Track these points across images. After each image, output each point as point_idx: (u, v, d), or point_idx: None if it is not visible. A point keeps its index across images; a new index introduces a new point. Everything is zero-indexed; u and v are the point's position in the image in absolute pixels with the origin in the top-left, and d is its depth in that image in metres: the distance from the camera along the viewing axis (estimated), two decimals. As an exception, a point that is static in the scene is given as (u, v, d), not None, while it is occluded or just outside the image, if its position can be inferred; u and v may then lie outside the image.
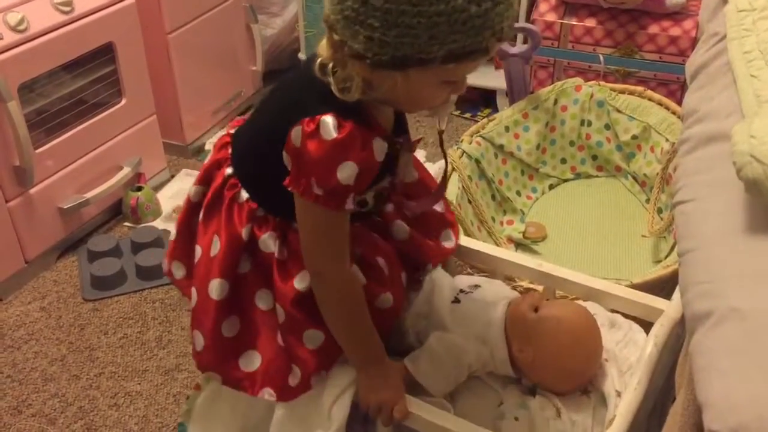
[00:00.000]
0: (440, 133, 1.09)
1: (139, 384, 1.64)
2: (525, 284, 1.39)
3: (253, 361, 1.04)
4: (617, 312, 1.23)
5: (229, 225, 1.03)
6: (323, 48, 0.92)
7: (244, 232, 1.02)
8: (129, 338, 1.76)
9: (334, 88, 0.90)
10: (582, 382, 1.12)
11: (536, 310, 1.12)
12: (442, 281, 1.19)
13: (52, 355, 1.72)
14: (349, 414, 1.05)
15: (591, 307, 1.21)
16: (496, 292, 1.20)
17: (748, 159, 0.68)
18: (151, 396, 1.61)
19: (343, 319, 1.02)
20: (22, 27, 1.73)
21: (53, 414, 1.57)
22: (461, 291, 1.18)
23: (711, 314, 0.66)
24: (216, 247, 1.04)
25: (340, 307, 1.01)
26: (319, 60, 0.92)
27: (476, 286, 1.20)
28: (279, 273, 1.03)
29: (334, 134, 0.90)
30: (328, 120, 0.90)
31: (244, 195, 1.04)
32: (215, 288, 1.04)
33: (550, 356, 1.09)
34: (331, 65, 0.90)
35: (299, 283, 1.01)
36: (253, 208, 1.03)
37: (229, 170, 1.06)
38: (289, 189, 0.95)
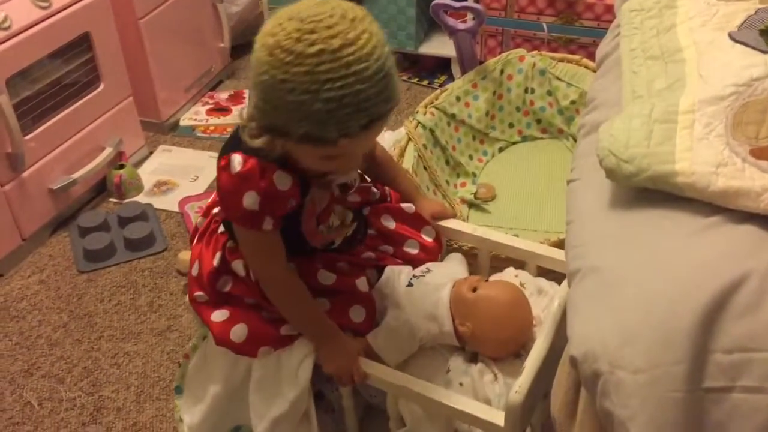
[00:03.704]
0: (341, 188, 1.26)
1: (136, 345, 1.84)
2: (462, 244, 1.57)
3: (242, 332, 1.24)
4: (543, 268, 1.40)
5: (206, 252, 1.28)
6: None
7: (215, 259, 1.25)
8: (123, 304, 1.96)
9: (245, 138, 1.08)
10: (514, 349, 1.29)
11: (474, 290, 1.29)
12: (399, 269, 1.37)
13: (54, 322, 1.91)
14: (319, 374, 1.25)
15: (522, 275, 1.39)
16: (443, 275, 1.36)
17: (607, 153, 0.89)
18: (148, 354, 1.81)
19: (288, 308, 1.23)
20: (5, 25, 1.87)
21: (61, 374, 1.77)
22: (414, 276, 1.36)
23: (579, 271, 0.88)
24: (195, 269, 1.29)
25: (284, 300, 1.23)
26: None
27: (428, 270, 1.37)
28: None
29: (237, 168, 1.10)
30: (236, 157, 1.10)
31: (221, 228, 1.28)
32: (198, 297, 1.29)
33: (486, 329, 1.26)
34: (249, 125, 1.09)
35: None
36: (223, 240, 1.27)
37: (215, 209, 1.30)
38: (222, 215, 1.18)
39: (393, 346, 1.27)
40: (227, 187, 1.13)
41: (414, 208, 1.43)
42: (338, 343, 1.23)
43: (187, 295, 1.33)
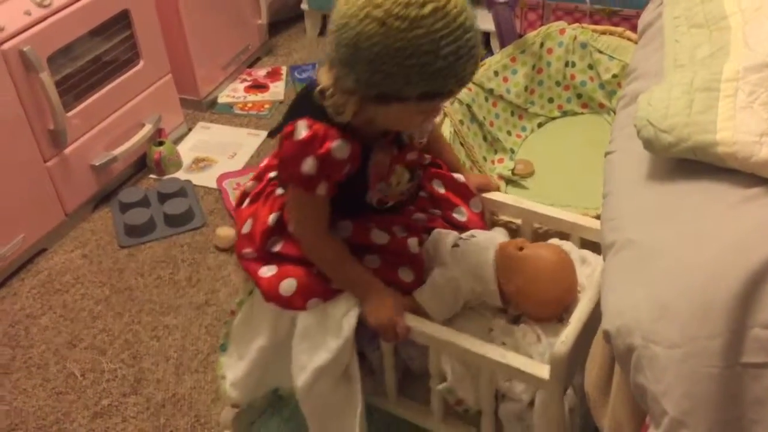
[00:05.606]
0: (420, 143, 1.32)
1: (175, 318, 1.87)
2: (506, 218, 1.58)
3: (291, 286, 1.26)
4: (587, 240, 1.41)
5: (262, 211, 1.30)
6: (323, 75, 1.13)
7: (270, 218, 1.28)
8: (162, 279, 1.99)
9: (330, 110, 1.12)
10: (558, 311, 1.28)
11: (521, 249, 1.30)
12: (447, 232, 1.37)
13: (96, 296, 1.95)
14: (361, 333, 1.25)
15: (565, 246, 1.37)
16: (488, 239, 1.37)
17: (645, 123, 0.86)
18: (186, 328, 1.84)
19: (327, 269, 1.25)
20: (46, 2, 1.89)
21: (103, 346, 1.81)
22: (460, 238, 1.36)
23: (614, 244, 0.85)
24: (247, 227, 1.31)
25: (321, 261, 1.25)
26: (319, 86, 1.13)
27: (472, 236, 1.37)
28: None
29: (301, 135, 1.14)
30: (301, 124, 1.14)
31: (279, 191, 1.30)
32: (246, 254, 1.31)
33: (531, 287, 1.26)
34: (329, 91, 1.11)
35: None
36: (281, 201, 1.29)
37: (272, 174, 1.32)
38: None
39: (438, 302, 1.27)
40: (288, 153, 1.16)
41: (463, 178, 1.45)
42: (382, 298, 1.24)
43: (235, 252, 1.35)
